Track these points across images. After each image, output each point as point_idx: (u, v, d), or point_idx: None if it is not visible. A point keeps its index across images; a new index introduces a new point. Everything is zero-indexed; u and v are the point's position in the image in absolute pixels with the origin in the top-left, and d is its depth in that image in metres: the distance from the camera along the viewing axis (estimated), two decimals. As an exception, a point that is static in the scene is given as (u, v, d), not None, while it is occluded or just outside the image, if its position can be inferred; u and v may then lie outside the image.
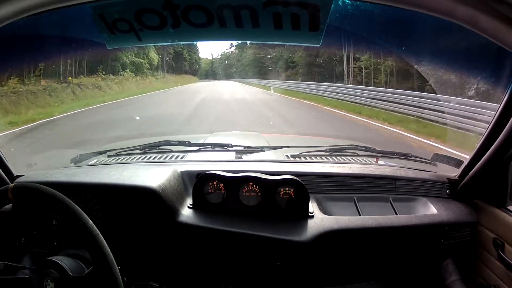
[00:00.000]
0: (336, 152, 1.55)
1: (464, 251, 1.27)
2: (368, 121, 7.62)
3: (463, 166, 1.29)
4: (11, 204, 1.10)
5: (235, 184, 1.16)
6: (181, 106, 10.19)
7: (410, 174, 1.37)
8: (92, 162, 1.49)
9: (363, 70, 12.12)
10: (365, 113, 8.35)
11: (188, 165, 1.33)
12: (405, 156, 1.55)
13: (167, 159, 1.47)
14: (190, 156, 1.51)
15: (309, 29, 0.85)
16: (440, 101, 6.27)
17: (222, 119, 7.36)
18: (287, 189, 1.15)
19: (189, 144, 1.57)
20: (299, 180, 1.15)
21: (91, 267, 0.78)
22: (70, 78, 10.82)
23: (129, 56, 14.80)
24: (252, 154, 1.52)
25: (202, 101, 11.15)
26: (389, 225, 1.15)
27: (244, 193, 1.16)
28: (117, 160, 1.48)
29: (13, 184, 0.80)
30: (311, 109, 10.36)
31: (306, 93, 12.97)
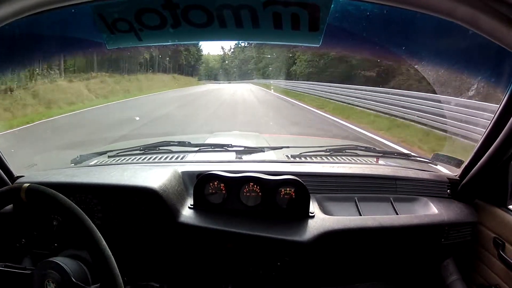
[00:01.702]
0: (336, 152, 1.55)
1: (465, 251, 1.27)
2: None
3: (463, 166, 1.29)
4: (11, 205, 1.10)
5: (235, 184, 1.16)
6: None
7: (411, 174, 1.37)
8: (92, 163, 1.49)
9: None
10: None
11: (189, 166, 1.33)
12: (406, 156, 1.55)
13: (167, 160, 1.47)
14: (190, 157, 1.51)
15: (309, 29, 0.85)
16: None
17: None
18: (287, 189, 1.15)
19: (189, 144, 1.57)
20: (300, 180, 1.15)
21: (98, 284, 0.77)
22: None
23: None
24: (253, 155, 1.52)
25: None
26: (389, 225, 1.15)
27: (244, 193, 1.16)
28: (117, 160, 1.47)
29: (27, 184, 0.78)
30: None
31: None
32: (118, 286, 0.73)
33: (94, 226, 0.76)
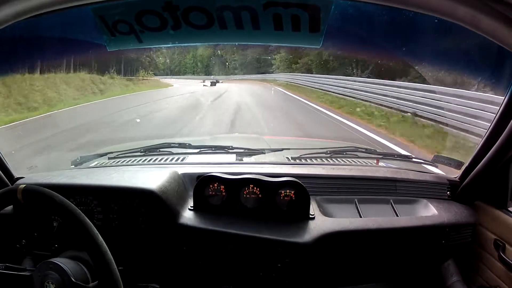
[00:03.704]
0: (336, 154, 1.55)
1: (465, 252, 1.27)
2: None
3: (463, 167, 1.29)
4: (11, 206, 1.10)
5: (235, 186, 1.15)
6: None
7: (411, 175, 1.37)
8: (92, 164, 1.49)
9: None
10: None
11: (189, 167, 1.33)
12: (406, 157, 1.55)
13: (167, 161, 1.47)
14: (190, 158, 1.51)
15: (310, 31, 0.85)
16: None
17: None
18: (287, 191, 1.15)
19: (190, 146, 1.57)
20: (300, 182, 1.15)
21: (97, 281, 0.78)
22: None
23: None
24: (253, 156, 1.52)
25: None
26: (389, 226, 1.15)
27: (244, 195, 1.16)
28: (117, 162, 1.47)
29: (23, 185, 0.78)
30: None
31: None
32: (116, 281, 0.73)
33: (91, 223, 0.76)
